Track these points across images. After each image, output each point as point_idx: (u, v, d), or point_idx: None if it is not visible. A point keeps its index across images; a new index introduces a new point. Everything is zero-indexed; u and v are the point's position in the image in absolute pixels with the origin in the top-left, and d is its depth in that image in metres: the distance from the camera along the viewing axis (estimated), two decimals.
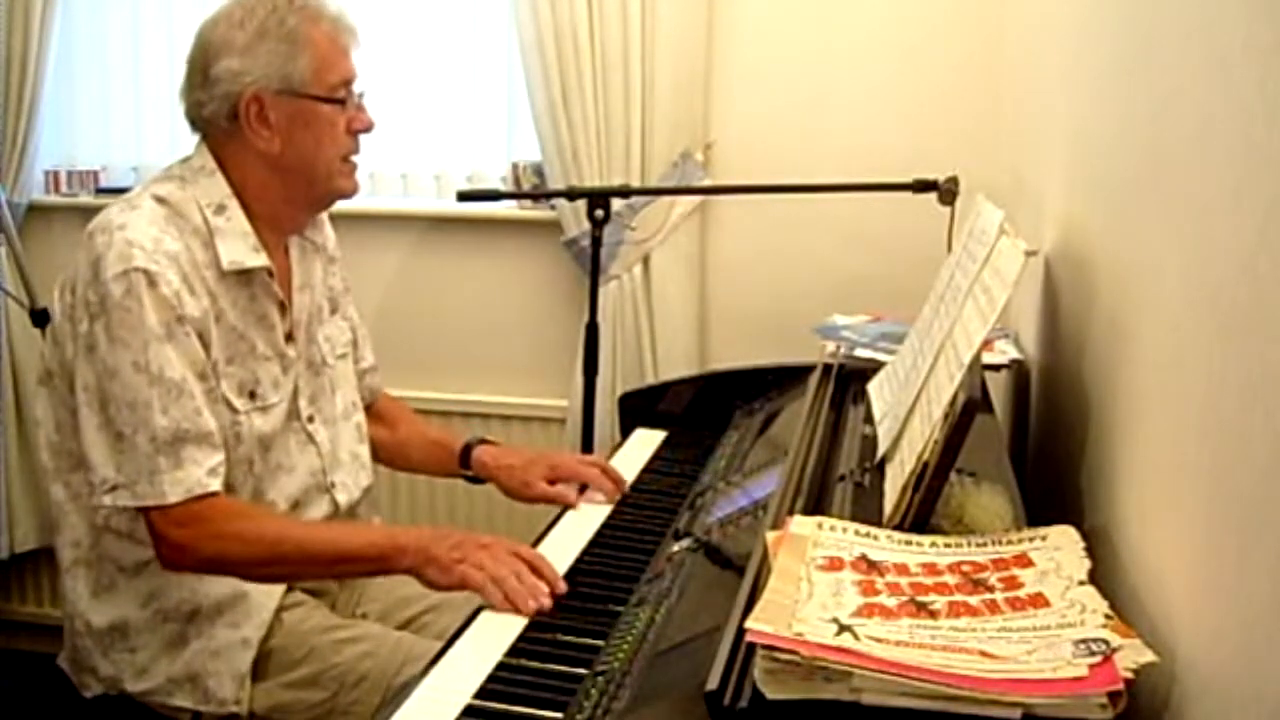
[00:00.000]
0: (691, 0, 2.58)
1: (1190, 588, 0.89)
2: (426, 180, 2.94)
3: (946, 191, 2.14)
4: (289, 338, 1.72)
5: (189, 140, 1.72)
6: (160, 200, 1.61)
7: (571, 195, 2.45)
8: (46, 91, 2.89)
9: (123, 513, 1.58)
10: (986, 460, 1.34)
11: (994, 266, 1.30)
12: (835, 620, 0.95)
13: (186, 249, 1.58)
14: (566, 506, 1.74)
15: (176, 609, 1.63)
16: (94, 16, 2.98)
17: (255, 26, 1.61)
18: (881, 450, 1.40)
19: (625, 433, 2.09)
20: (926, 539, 1.14)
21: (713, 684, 0.93)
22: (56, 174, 3.02)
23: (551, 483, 1.80)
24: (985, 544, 1.12)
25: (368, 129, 1.70)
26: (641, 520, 1.66)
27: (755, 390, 2.04)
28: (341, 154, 1.69)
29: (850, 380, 1.80)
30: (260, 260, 1.65)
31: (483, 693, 1.19)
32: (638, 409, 2.12)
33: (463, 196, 2.31)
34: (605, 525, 1.66)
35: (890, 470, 1.34)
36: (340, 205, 1.76)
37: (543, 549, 1.54)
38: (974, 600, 1.01)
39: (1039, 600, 0.99)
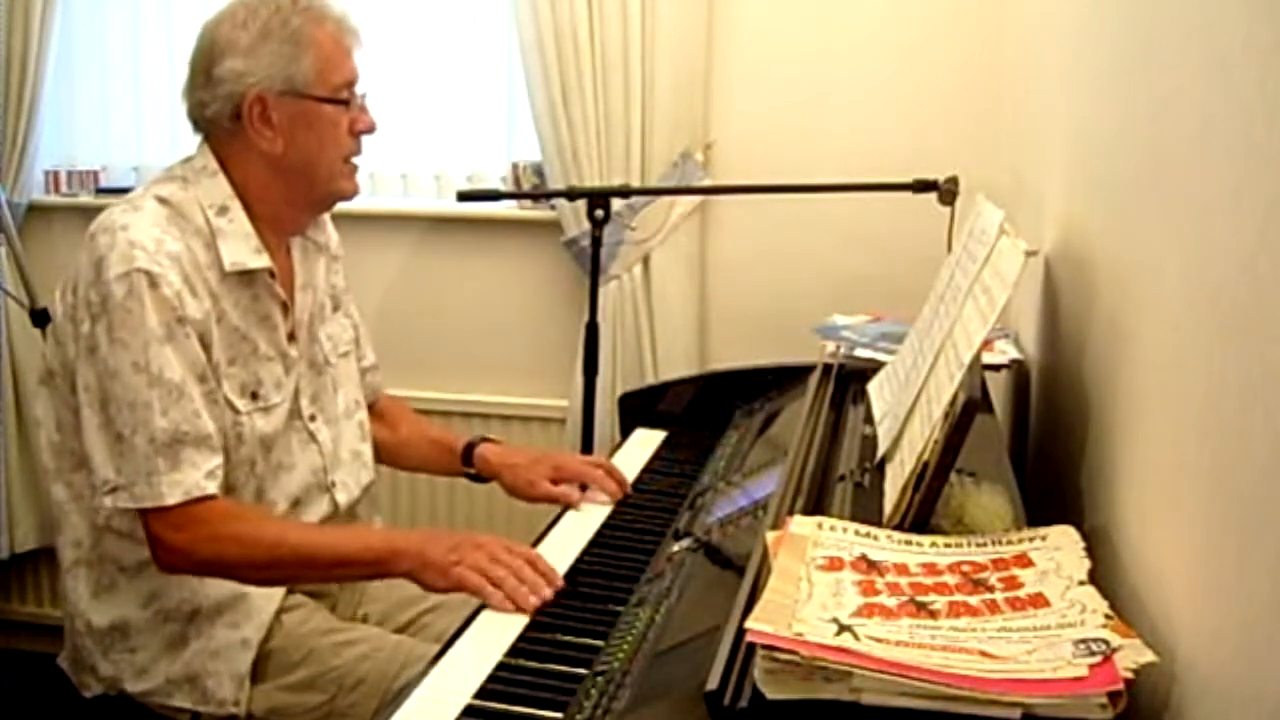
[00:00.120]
0: (691, 0, 2.58)
1: (1190, 588, 0.89)
2: (426, 180, 2.94)
3: (946, 191, 2.15)
4: (291, 337, 1.72)
5: (189, 140, 1.72)
6: (162, 201, 1.61)
7: (571, 195, 2.45)
8: (46, 91, 2.89)
9: (124, 513, 1.58)
10: (986, 460, 1.34)
11: (994, 266, 1.30)
12: (835, 620, 0.95)
13: (188, 250, 1.58)
14: (568, 506, 1.74)
15: (177, 609, 1.63)
16: (94, 16, 2.98)
17: (259, 27, 1.61)
18: (881, 450, 1.40)
19: (625, 433, 2.09)
20: (926, 539, 1.14)
21: (713, 684, 0.93)
22: (56, 174, 3.02)
23: (555, 482, 1.80)
24: (985, 544, 1.12)
25: (370, 130, 1.70)
26: (641, 520, 1.66)
27: (755, 390, 2.04)
28: (344, 155, 1.69)
29: (850, 380, 1.80)
30: (262, 261, 1.65)
31: (483, 693, 1.19)
32: (638, 409, 2.12)
33: (463, 196, 2.31)
34: (605, 525, 1.66)
35: (890, 470, 1.34)
36: (340, 205, 1.76)
37: (543, 549, 1.54)
38: (974, 600, 1.01)
39: (1039, 600, 0.99)
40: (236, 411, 1.62)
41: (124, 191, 2.23)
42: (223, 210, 1.63)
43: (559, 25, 2.57)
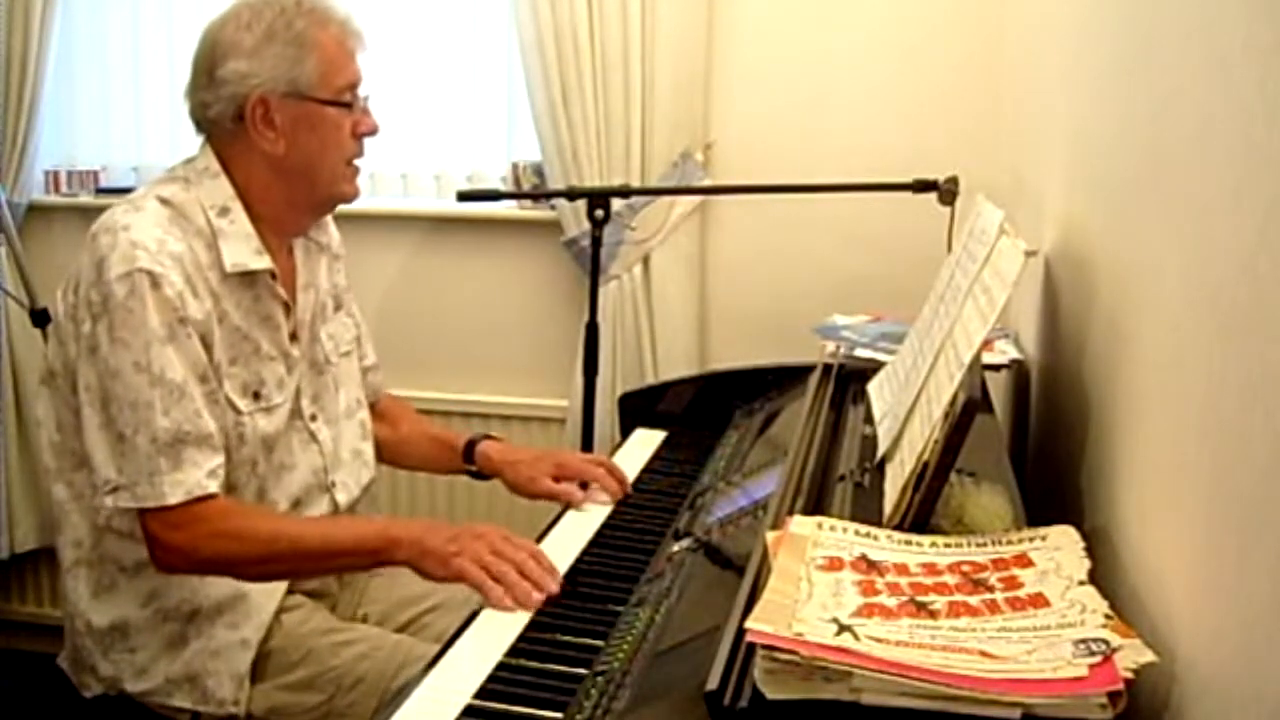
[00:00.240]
0: (691, 0, 2.58)
1: (1190, 588, 0.89)
2: (426, 180, 2.94)
3: (946, 191, 2.15)
4: (293, 337, 1.72)
5: (189, 140, 1.72)
6: (164, 201, 1.61)
7: (571, 195, 2.45)
8: (46, 91, 2.89)
9: (124, 513, 1.58)
10: (986, 460, 1.34)
11: (994, 266, 1.30)
12: (835, 620, 0.95)
13: (190, 250, 1.58)
14: (568, 505, 1.74)
15: (177, 609, 1.63)
16: (94, 16, 2.98)
17: (263, 29, 1.61)
18: (881, 450, 1.40)
19: (625, 433, 2.09)
20: (926, 539, 1.14)
21: (713, 684, 0.93)
22: (56, 174, 3.02)
23: (556, 480, 1.80)
24: (985, 544, 1.12)
25: (373, 132, 1.71)
26: (641, 520, 1.66)
27: (755, 390, 2.04)
28: (346, 157, 1.69)
29: (850, 380, 1.80)
30: (263, 263, 1.65)
31: (483, 693, 1.19)
32: (638, 409, 2.12)
33: (463, 196, 2.31)
34: (605, 525, 1.66)
35: (890, 470, 1.34)
36: (340, 205, 1.76)
37: (543, 548, 1.54)
38: (974, 600, 1.01)
39: (1039, 600, 0.99)
40: (238, 412, 1.62)
41: (124, 191, 2.24)
42: (224, 211, 1.63)
43: (559, 25, 2.57)
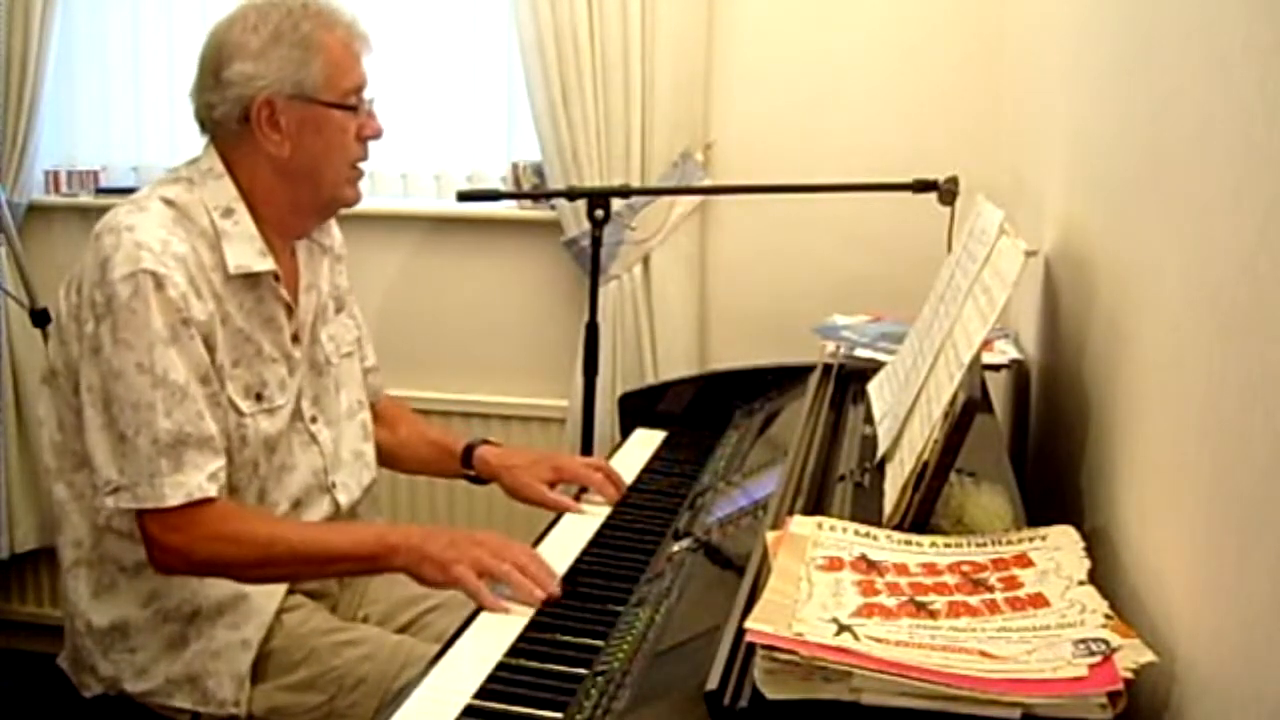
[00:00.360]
0: (691, 0, 2.58)
1: (1190, 588, 0.89)
2: (426, 180, 2.94)
3: (946, 191, 2.15)
4: (295, 339, 1.72)
5: (189, 140, 1.72)
6: (168, 202, 1.61)
7: (571, 195, 2.46)
8: (46, 91, 2.89)
9: (124, 513, 1.58)
10: (986, 460, 1.34)
11: (994, 266, 1.30)
12: (835, 620, 0.95)
13: (194, 251, 1.58)
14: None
15: (177, 609, 1.63)
16: (94, 16, 2.98)
17: (270, 31, 1.61)
18: (881, 450, 1.40)
19: (625, 433, 2.09)
20: (926, 539, 1.14)
21: (713, 684, 0.93)
22: (56, 174, 3.02)
23: (554, 484, 1.80)
24: (985, 544, 1.12)
25: (378, 135, 1.71)
26: (641, 520, 1.66)
27: (755, 390, 2.04)
28: (350, 160, 1.69)
29: (850, 380, 1.80)
30: (266, 264, 1.65)
31: (483, 693, 1.19)
32: (638, 409, 2.12)
33: (463, 196, 2.31)
34: (605, 525, 1.66)
35: (890, 470, 1.34)
36: (342, 209, 1.76)
37: (542, 549, 1.54)
38: (974, 600, 1.01)
39: (1039, 600, 0.99)
40: (241, 413, 1.62)
41: (124, 191, 2.24)
42: (228, 212, 1.63)
43: (559, 25, 2.57)
